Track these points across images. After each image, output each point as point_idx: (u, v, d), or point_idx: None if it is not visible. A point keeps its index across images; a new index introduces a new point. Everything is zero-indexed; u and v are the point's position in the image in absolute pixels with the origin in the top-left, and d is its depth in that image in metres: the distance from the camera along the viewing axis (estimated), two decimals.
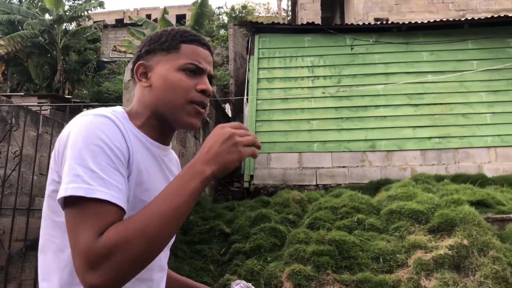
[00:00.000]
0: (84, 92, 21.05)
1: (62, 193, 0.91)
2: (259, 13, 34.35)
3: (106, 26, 30.24)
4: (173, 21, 31.16)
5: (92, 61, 20.76)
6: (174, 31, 1.17)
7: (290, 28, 9.29)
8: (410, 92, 8.60)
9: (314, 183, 8.42)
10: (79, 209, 0.90)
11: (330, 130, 8.55)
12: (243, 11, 24.53)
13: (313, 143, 8.54)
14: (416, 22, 8.68)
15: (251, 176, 8.50)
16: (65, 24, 20.84)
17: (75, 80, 20.79)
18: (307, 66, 8.86)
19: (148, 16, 34.94)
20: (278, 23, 9.42)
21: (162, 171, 1.16)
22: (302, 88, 8.75)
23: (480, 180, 7.74)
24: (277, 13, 27.50)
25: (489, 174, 8.08)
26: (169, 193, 0.93)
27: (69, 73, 20.28)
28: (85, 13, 20.61)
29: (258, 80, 8.82)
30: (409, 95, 8.59)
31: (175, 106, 1.10)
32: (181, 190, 0.93)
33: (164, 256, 1.19)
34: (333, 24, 16.18)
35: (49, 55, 20.27)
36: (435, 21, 8.69)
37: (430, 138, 8.43)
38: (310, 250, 5.05)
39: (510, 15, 8.54)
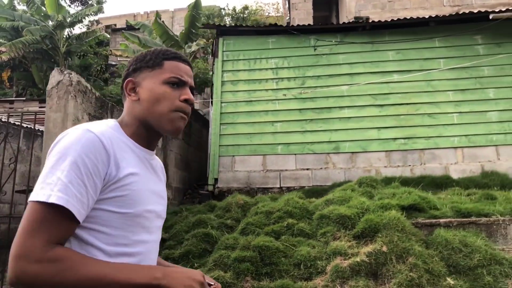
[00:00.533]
0: None
1: (33, 197, 1.05)
2: (269, 13, 34.27)
3: (114, 30, 30.58)
4: (182, 23, 31.34)
5: (93, 65, 21.06)
6: (157, 50, 1.33)
7: (254, 30, 9.22)
8: (375, 93, 8.44)
9: (278, 186, 8.35)
10: (37, 212, 1.03)
11: (294, 132, 8.46)
12: (245, 12, 24.44)
13: (277, 145, 8.47)
14: (379, 21, 8.51)
15: (215, 180, 8.49)
16: (67, 29, 21.19)
17: None
18: (271, 68, 8.78)
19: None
20: (241, 25, 9.36)
21: (149, 172, 1.29)
22: (267, 90, 8.68)
23: (444, 182, 7.62)
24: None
25: (455, 175, 7.89)
26: (123, 269, 1.07)
27: None
28: (86, 18, 20.90)
29: (223, 82, 8.79)
30: (374, 95, 8.44)
31: (161, 115, 1.24)
32: (132, 274, 1.06)
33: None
34: (329, 23, 16.04)
35: (52, 60, 20.65)
36: (398, 19, 8.49)
37: (395, 139, 8.27)
38: (233, 256, 5.01)
39: (503, 9, 8.20)
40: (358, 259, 4.58)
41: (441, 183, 7.60)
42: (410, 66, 8.47)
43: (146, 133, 1.28)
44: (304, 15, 16.40)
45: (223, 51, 8.89)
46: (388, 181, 7.37)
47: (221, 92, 8.73)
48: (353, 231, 5.06)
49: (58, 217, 1.03)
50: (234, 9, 24.31)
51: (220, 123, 8.61)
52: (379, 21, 8.51)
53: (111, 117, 6.68)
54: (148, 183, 1.25)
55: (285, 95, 8.41)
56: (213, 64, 9.27)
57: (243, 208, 6.37)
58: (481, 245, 4.70)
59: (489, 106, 8.16)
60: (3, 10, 21.16)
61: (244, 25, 9.92)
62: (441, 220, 5.11)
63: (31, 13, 21.69)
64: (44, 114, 11.88)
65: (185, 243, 5.53)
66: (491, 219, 5.07)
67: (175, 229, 5.98)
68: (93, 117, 5.75)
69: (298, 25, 9.36)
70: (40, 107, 15.91)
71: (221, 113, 8.65)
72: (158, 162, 1.40)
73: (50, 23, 20.64)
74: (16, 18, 20.29)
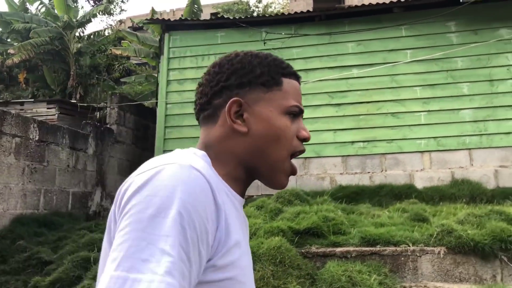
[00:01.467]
0: (95, 95, 21.34)
1: (122, 283, 0.62)
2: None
3: (135, 28, 30.60)
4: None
5: (101, 64, 20.96)
6: (268, 59, 0.92)
7: (202, 23, 8.39)
8: (332, 90, 7.47)
9: None
10: None
11: None
12: (259, 5, 23.59)
13: None
14: (336, 8, 7.51)
15: None
16: (78, 29, 21.24)
17: (88, 84, 21.17)
18: None
19: None
20: (187, 19, 8.59)
21: (245, 227, 0.91)
22: None
23: (405, 192, 6.64)
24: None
25: (420, 184, 6.85)
26: None
27: (81, 78, 20.68)
28: (94, 18, 20.81)
29: (168, 82, 8.08)
30: (330, 93, 7.47)
31: (277, 161, 0.87)
32: None
33: None
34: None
35: (64, 61, 20.78)
36: (356, 6, 7.44)
37: (353, 142, 7.29)
38: (94, 285, 4.31)
39: None
40: None
41: (401, 193, 6.61)
42: (372, 59, 7.44)
43: (244, 176, 0.89)
44: (304, 7, 15.38)
45: (169, 48, 8.17)
46: (341, 191, 6.50)
47: (166, 92, 8.03)
48: None
49: None
50: (247, 3, 23.47)
51: (165, 126, 7.92)
52: (336, 8, 7.50)
53: (1, 126, 6.13)
54: (247, 245, 0.88)
55: None
56: (159, 63, 8.57)
57: None
58: (374, 284, 3.74)
59: (462, 103, 7.02)
60: (16, 12, 21.47)
61: (189, 18, 9.15)
62: (337, 250, 4.16)
63: (42, 14, 21.90)
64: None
65: (59, 269, 4.87)
66: (398, 249, 4.07)
67: (64, 250, 5.34)
68: None
69: (246, 16, 8.48)
70: (48, 108, 15.86)
71: (166, 115, 7.96)
72: None
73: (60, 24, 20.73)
74: (27, 20, 20.52)
